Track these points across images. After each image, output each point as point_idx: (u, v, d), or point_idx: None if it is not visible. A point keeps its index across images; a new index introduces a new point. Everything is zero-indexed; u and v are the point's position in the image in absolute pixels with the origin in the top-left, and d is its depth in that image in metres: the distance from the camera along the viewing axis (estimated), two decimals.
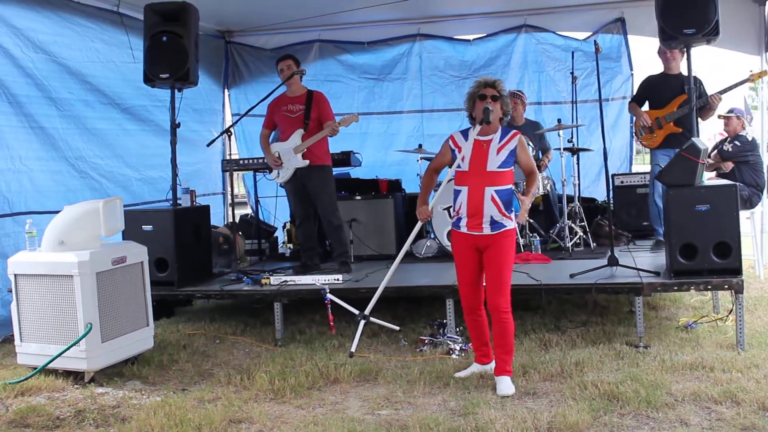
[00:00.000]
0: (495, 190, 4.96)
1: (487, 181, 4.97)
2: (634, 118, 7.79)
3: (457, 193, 5.09)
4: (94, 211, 5.42)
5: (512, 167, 5.11)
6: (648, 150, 7.83)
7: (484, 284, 5.15)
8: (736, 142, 8.21)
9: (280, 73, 7.26)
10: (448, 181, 5.21)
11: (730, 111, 8.50)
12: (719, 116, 8.47)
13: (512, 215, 5.06)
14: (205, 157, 9.80)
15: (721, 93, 7.16)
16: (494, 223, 4.98)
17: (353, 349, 5.33)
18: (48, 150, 7.38)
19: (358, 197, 8.40)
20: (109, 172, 8.14)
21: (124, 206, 7.27)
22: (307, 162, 7.09)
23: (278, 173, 7.26)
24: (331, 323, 6.12)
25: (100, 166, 8.00)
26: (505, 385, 4.91)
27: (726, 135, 8.71)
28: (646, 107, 7.63)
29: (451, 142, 5.16)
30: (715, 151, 8.49)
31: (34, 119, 7.22)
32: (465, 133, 5.12)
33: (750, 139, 8.28)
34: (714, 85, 7.29)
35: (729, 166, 8.32)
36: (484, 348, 5.29)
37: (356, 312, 5.56)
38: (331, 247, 7.52)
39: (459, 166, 5.05)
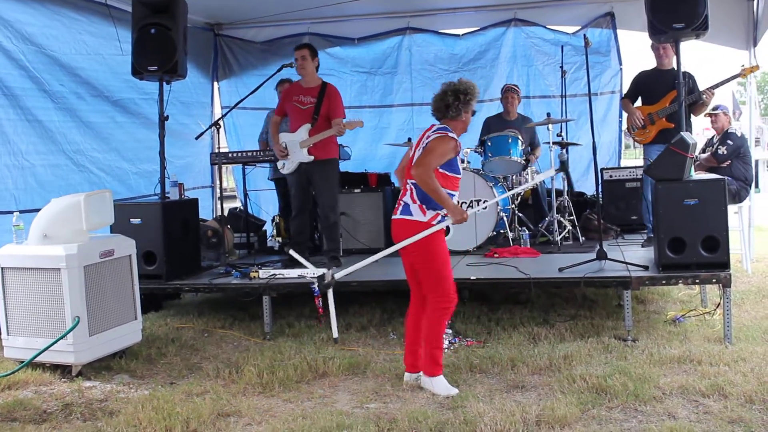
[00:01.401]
0: None
1: None
2: (626, 114, 7.79)
3: (450, 197, 4.90)
4: (76, 205, 5.39)
5: None
6: (639, 145, 7.83)
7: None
8: (729, 142, 8.20)
9: (295, 62, 7.17)
10: None
11: (716, 108, 8.50)
12: (706, 114, 8.48)
13: None
14: (195, 150, 9.77)
15: (713, 88, 7.17)
16: None
17: (336, 335, 5.16)
18: (47, 143, 7.36)
19: (348, 191, 8.38)
20: (107, 165, 8.11)
21: (122, 200, 7.30)
22: (312, 158, 7.03)
23: (284, 164, 7.21)
24: (320, 314, 6.13)
25: (98, 160, 7.98)
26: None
27: (713, 132, 8.71)
28: (639, 103, 7.63)
29: (459, 146, 4.96)
30: (707, 153, 8.48)
31: (30, 112, 7.17)
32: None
33: (740, 135, 8.29)
34: (704, 80, 7.32)
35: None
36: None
37: (315, 275, 5.21)
38: (323, 242, 7.48)
39: (458, 173, 4.97)
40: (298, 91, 7.20)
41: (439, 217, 4.93)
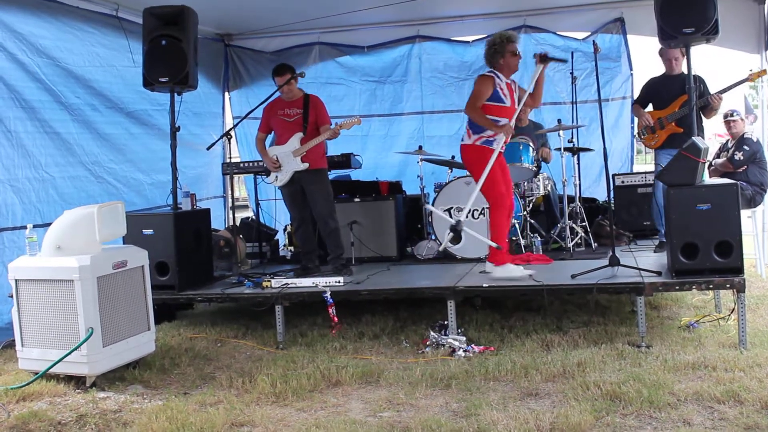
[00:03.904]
0: None
1: None
2: (636, 119, 7.79)
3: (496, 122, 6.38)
4: (89, 216, 5.41)
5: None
6: (650, 150, 7.82)
7: None
8: (745, 147, 8.14)
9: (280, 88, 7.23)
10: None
11: (733, 113, 8.46)
12: (725, 120, 8.44)
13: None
14: (207, 160, 9.82)
15: (721, 93, 7.15)
16: None
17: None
18: (65, 155, 7.44)
19: (359, 199, 8.39)
20: (123, 176, 8.19)
21: (138, 210, 7.35)
22: (306, 165, 7.09)
23: (276, 176, 7.26)
24: (334, 323, 6.16)
25: (115, 171, 8.06)
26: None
27: (727, 137, 8.66)
28: (650, 108, 7.62)
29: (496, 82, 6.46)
30: (723, 158, 8.42)
31: (48, 124, 7.24)
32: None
33: (755, 140, 8.25)
34: (715, 85, 7.30)
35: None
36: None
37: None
38: (328, 250, 7.50)
39: (504, 103, 6.42)
40: (282, 105, 7.28)
41: (483, 139, 6.44)
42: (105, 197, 7.63)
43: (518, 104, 6.55)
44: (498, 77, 6.45)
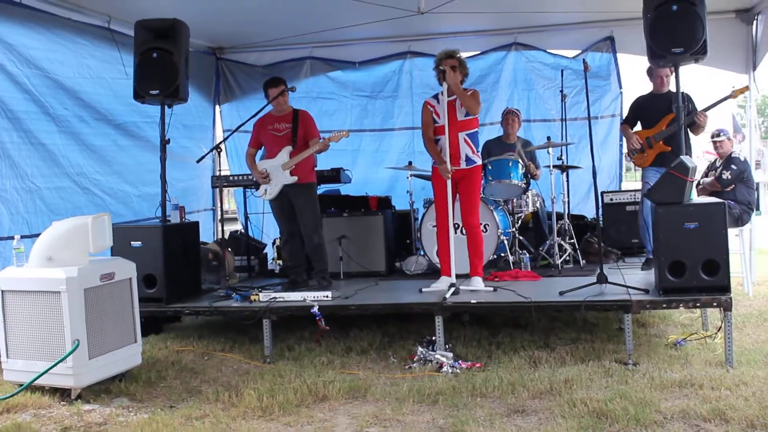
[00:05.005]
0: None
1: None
2: (625, 139, 7.84)
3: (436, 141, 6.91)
4: (82, 227, 5.39)
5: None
6: (639, 168, 7.86)
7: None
8: (733, 166, 8.19)
9: (274, 98, 7.24)
10: None
11: (720, 133, 8.51)
12: (712, 141, 8.49)
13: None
14: (197, 173, 9.81)
15: (705, 110, 7.21)
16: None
17: None
18: (50, 166, 7.41)
19: (348, 214, 8.40)
20: (110, 188, 8.17)
21: (125, 222, 7.31)
22: (295, 178, 7.11)
23: (265, 190, 7.27)
24: (320, 330, 6.14)
25: (101, 182, 8.04)
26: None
27: (715, 156, 8.71)
28: (638, 127, 7.67)
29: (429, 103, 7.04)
30: (711, 177, 8.47)
31: (33, 135, 7.21)
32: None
33: (742, 159, 8.30)
34: (704, 105, 7.34)
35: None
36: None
37: None
38: (311, 264, 7.50)
39: (437, 123, 6.88)
40: (271, 120, 7.33)
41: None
42: (91, 208, 7.60)
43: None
44: (435, 98, 7.01)
